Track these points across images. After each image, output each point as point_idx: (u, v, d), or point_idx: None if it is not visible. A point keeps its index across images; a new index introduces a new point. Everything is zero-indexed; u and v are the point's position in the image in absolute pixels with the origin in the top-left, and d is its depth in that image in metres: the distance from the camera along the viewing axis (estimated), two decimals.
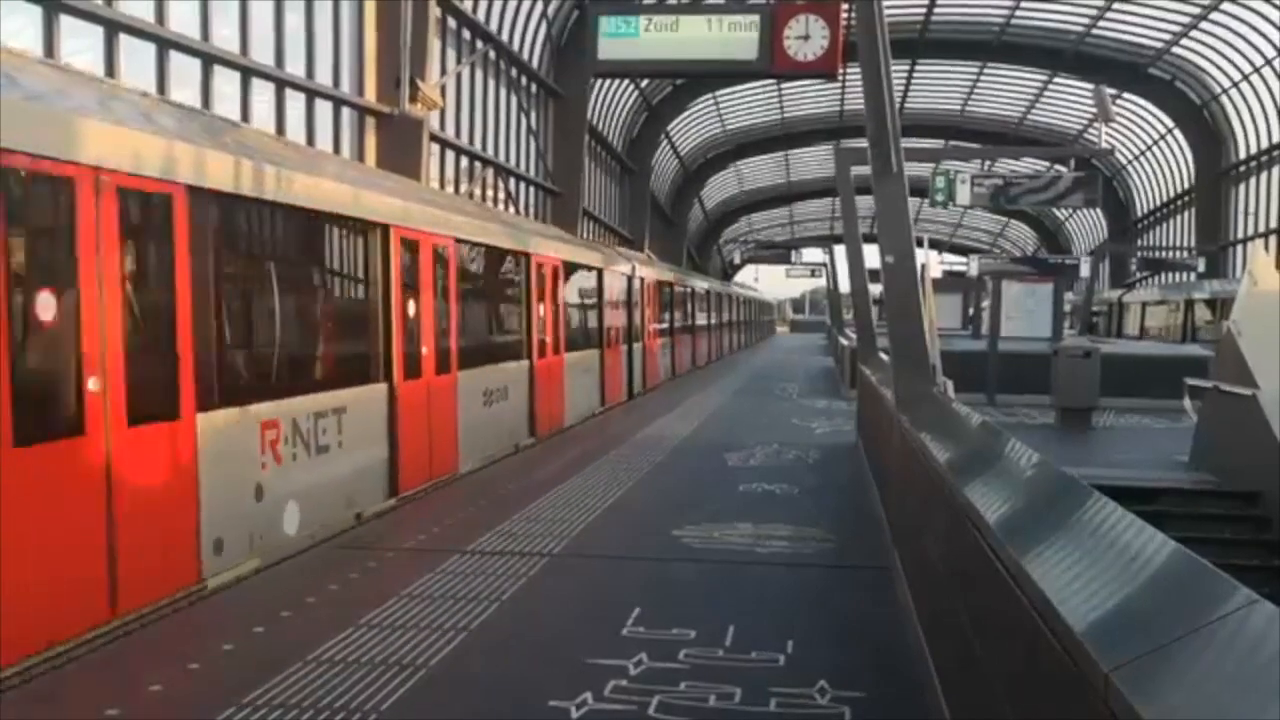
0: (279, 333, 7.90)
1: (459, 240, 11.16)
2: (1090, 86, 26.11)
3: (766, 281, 77.24)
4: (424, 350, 10.09)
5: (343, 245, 9.04)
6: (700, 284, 33.60)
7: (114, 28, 11.97)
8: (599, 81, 29.11)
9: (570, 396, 15.73)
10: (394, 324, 9.36)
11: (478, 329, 12.39)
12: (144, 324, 6.11)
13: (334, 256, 9.08)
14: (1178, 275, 35.70)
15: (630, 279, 20.81)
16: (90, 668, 5.08)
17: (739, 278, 67.33)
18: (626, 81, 31.83)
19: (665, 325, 25.39)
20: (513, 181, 26.18)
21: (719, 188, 53.97)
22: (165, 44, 12.81)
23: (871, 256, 12.69)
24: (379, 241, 9.21)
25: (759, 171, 52.53)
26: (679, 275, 29.84)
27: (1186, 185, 35.88)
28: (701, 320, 32.38)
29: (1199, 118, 33.04)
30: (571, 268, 16.17)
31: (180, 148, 6.36)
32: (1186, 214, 36.56)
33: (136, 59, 12.37)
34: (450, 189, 22.08)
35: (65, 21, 11.31)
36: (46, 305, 5.29)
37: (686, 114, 39.44)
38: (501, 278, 13.46)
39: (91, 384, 5.49)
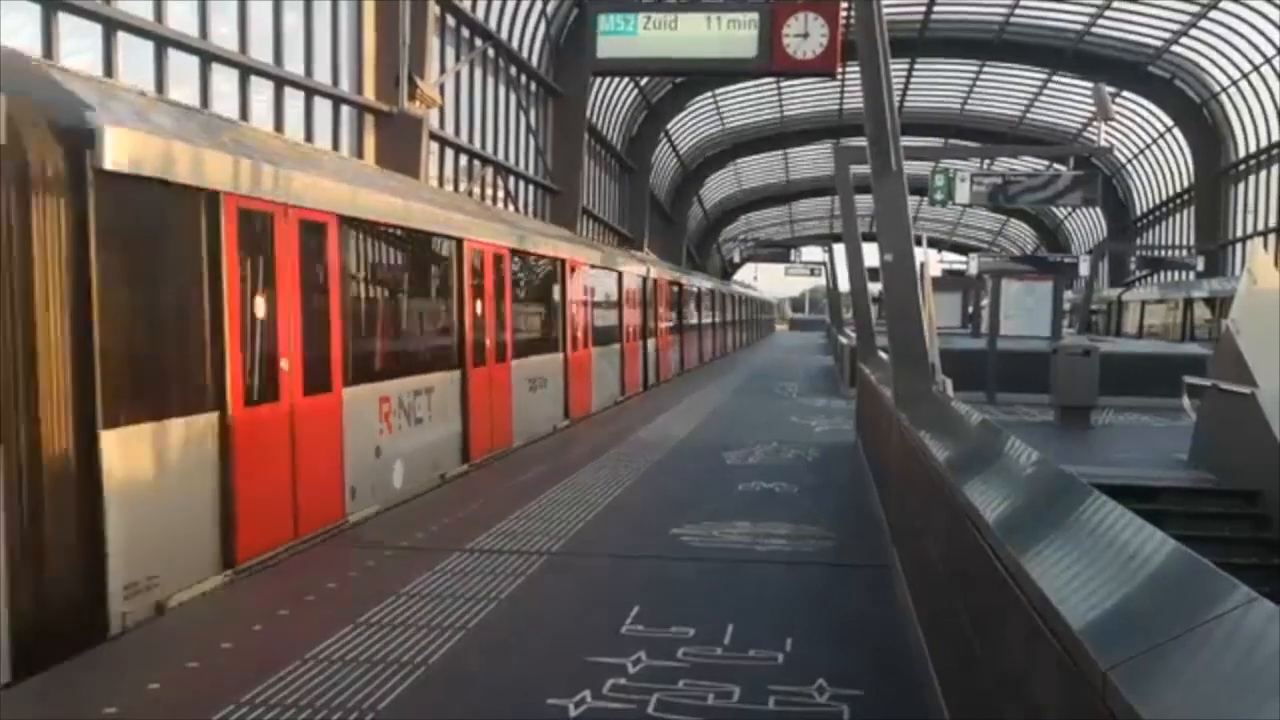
0: (390, 328, 9.90)
1: (512, 250, 12.92)
2: (1089, 85, 26.11)
3: (765, 280, 77.20)
4: (487, 343, 11.84)
5: (429, 256, 10.80)
6: (705, 284, 34.96)
7: (112, 26, 11.96)
8: (598, 80, 29.10)
9: (597, 386, 17.41)
10: (466, 321, 11.18)
11: (526, 325, 13.95)
12: (314, 322, 7.88)
13: (423, 266, 10.81)
14: (1177, 274, 35.71)
15: (645, 280, 22.28)
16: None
17: (738, 276, 67.37)
18: (626, 80, 31.82)
19: (676, 323, 27.01)
20: (512, 180, 26.18)
21: (718, 186, 53.98)
22: (164, 42, 12.80)
23: (871, 255, 12.70)
24: (454, 252, 11.03)
25: (758, 170, 52.54)
26: (689, 276, 31.59)
27: (1186, 184, 35.89)
28: (706, 319, 33.71)
29: (1198, 116, 33.05)
30: (599, 271, 18.05)
31: (335, 186, 8.35)
32: (1186, 212, 36.58)
33: (134, 57, 12.36)
34: (449, 187, 22.08)
35: (64, 20, 11.30)
36: (261, 307, 7.15)
37: (686, 112, 39.44)
38: (543, 281, 15.02)
39: (284, 364, 7.40)
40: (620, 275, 19.72)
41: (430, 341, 10.64)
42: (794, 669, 5.06)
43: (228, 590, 6.41)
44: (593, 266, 17.42)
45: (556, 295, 15.22)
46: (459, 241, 11.01)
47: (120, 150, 5.65)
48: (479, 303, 11.54)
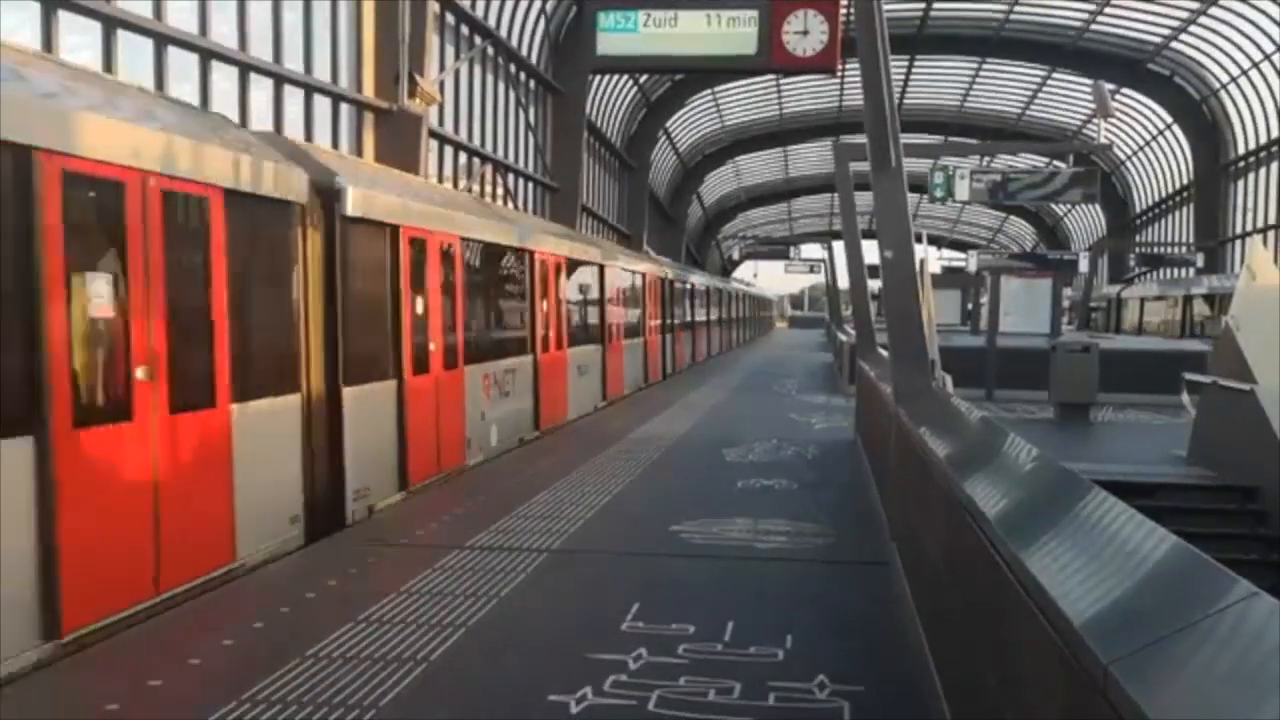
0: (489, 320, 12.39)
1: (568, 259, 15.55)
2: (1089, 82, 26.13)
3: (765, 277, 77.23)
4: (551, 334, 14.46)
5: (511, 265, 13.21)
6: (713, 283, 37.86)
7: (112, 23, 11.95)
8: (597, 77, 29.08)
9: (627, 373, 20.16)
10: (536, 315, 13.79)
11: (577, 320, 16.46)
12: (448, 316, 10.44)
13: (507, 272, 13.20)
14: (1176, 271, 35.72)
15: (664, 281, 24.78)
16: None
17: (738, 274, 67.36)
18: (625, 77, 31.80)
19: (690, 320, 29.88)
20: (511, 178, 26.17)
21: (718, 184, 53.96)
22: (163, 40, 12.79)
23: (870, 252, 12.70)
24: (528, 261, 13.62)
25: (758, 167, 52.51)
26: (699, 276, 34.37)
27: (1185, 181, 35.89)
28: (714, 315, 36.31)
29: (1198, 113, 33.05)
30: (630, 274, 20.78)
31: (455, 216, 10.92)
32: (1185, 209, 36.58)
33: (134, 55, 12.36)
34: (449, 185, 22.07)
35: (64, 17, 11.29)
36: (419, 306, 9.63)
37: (685, 110, 39.42)
38: (589, 283, 17.37)
39: (431, 347, 9.96)
40: (644, 277, 22.35)
41: (513, 332, 13.28)
42: (794, 666, 5.06)
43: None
44: (623, 270, 20.18)
45: (595, 295, 17.73)
46: (531, 254, 13.68)
47: (354, 202, 8.28)
48: (544, 301, 14.22)
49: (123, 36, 12.10)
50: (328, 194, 8.06)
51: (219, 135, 6.93)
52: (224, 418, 6.73)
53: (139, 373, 5.85)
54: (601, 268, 17.92)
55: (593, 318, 17.59)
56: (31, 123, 5.12)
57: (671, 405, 18.28)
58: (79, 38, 11.80)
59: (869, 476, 10.16)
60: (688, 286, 29.70)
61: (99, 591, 5.49)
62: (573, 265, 15.96)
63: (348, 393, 8.24)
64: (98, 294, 5.61)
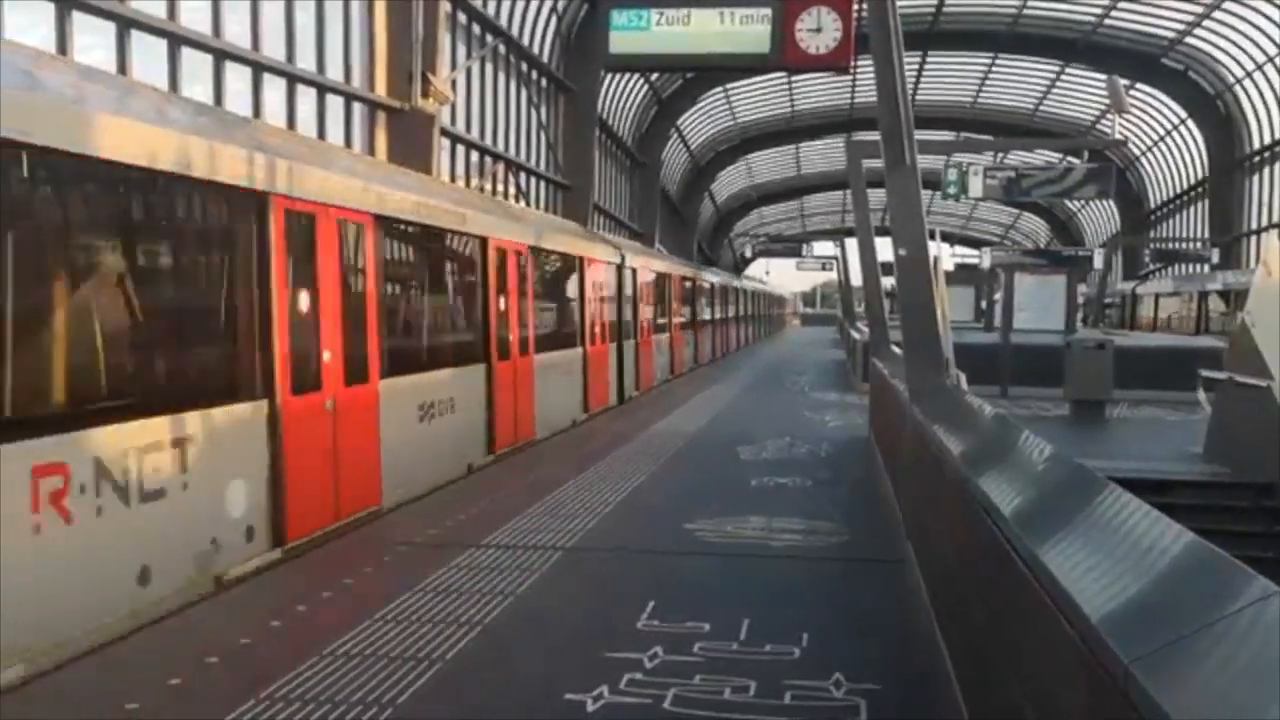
0: (550, 317, 14.39)
1: (609, 263, 17.83)
2: (1103, 78, 26.01)
3: (777, 275, 77.08)
4: (597, 330, 16.74)
5: (564, 272, 15.29)
6: (733, 282, 39.88)
7: (126, 24, 12.00)
8: (609, 75, 29.06)
9: (657, 365, 22.28)
10: (586, 314, 16.07)
11: (617, 317, 18.45)
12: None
13: (562, 279, 15.35)
14: (1191, 267, 35.54)
15: (688, 281, 26.68)
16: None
17: (750, 271, 67.27)
18: (636, 75, 31.74)
19: (711, 317, 31.95)
20: (523, 176, 26.19)
21: (729, 181, 53.87)
22: (177, 40, 12.83)
23: (883, 250, 12.67)
24: (578, 268, 15.79)
25: (770, 165, 52.40)
26: (718, 276, 36.23)
27: (1200, 176, 35.69)
28: (732, 313, 38.14)
29: (1212, 108, 32.85)
30: (661, 275, 22.98)
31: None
32: (1200, 205, 36.38)
33: (148, 55, 12.40)
34: (460, 184, 22.10)
35: (77, 18, 11.34)
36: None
37: (697, 107, 39.36)
38: (626, 285, 19.24)
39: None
40: (672, 278, 24.56)
41: (568, 327, 15.28)
42: (810, 664, 5.06)
43: (248, 585, 6.54)
44: (659, 273, 22.80)
45: (631, 296, 19.64)
46: (583, 259, 15.86)
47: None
48: (593, 302, 16.46)
49: (136, 37, 12.15)
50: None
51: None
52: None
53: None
54: (635, 271, 19.98)
55: (628, 315, 19.42)
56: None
57: (688, 401, 18.29)
58: (92, 38, 11.86)
59: (883, 474, 10.15)
60: (706, 285, 31.06)
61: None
62: (610, 269, 18.05)
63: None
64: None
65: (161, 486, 6.02)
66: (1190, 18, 28.86)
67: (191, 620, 5.79)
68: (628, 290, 19.22)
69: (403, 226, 9.44)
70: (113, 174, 5.78)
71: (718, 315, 32.98)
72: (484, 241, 11.38)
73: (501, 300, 12.09)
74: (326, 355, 7.66)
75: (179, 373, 6.54)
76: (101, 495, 5.51)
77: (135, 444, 5.81)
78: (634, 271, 19.74)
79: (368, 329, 8.59)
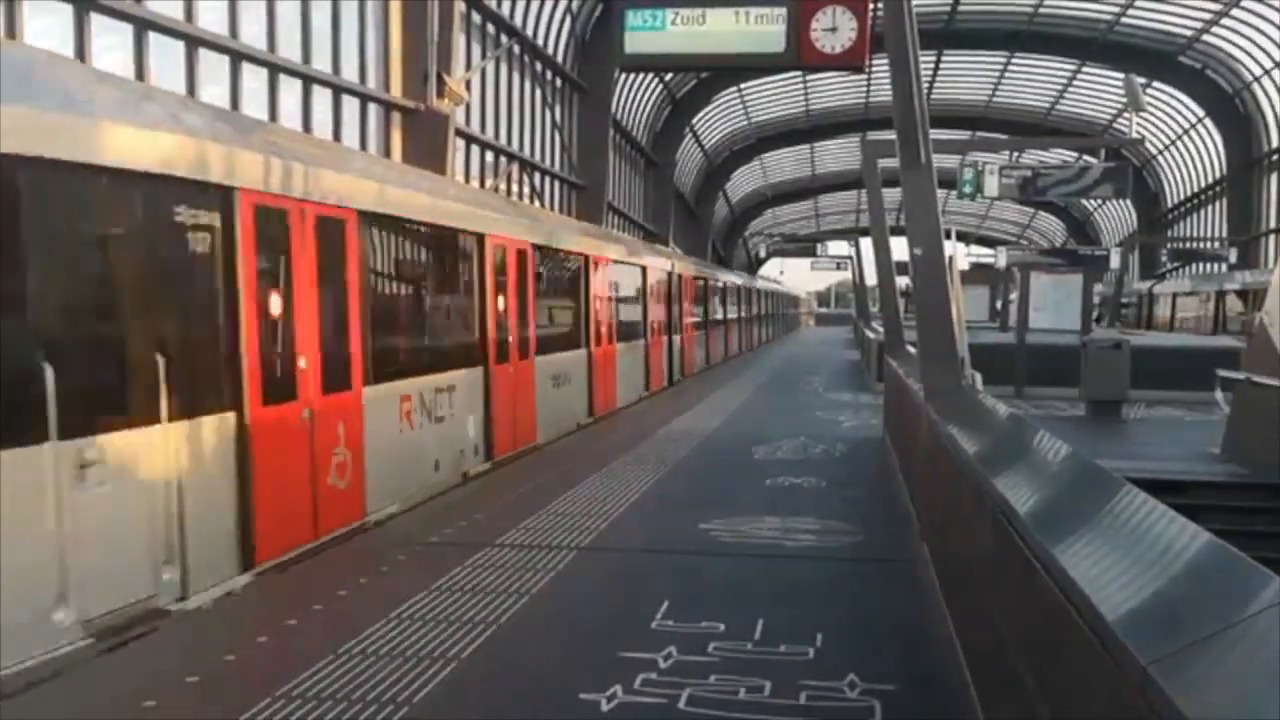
0: (620, 314, 17.65)
1: (661, 269, 21.47)
2: (1120, 76, 25.88)
3: (791, 275, 76.91)
4: (654, 324, 20.51)
5: (627, 278, 18.46)
6: (752, 283, 42.80)
7: (143, 26, 12.07)
8: (623, 75, 29.08)
9: (697, 355, 26.19)
10: (649, 311, 20.05)
11: (664, 315, 21.76)
12: (604, 313, 15.02)
13: (627, 284, 18.58)
14: (1209, 266, 35.34)
15: (718, 283, 30.29)
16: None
17: (764, 271, 67.20)
18: (651, 75, 31.77)
19: (733, 316, 34.70)
20: (538, 176, 26.23)
21: (744, 180, 53.83)
22: (194, 41, 12.90)
23: (898, 249, 12.64)
24: (640, 275, 19.56)
25: (784, 164, 52.35)
26: (739, 277, 39.23)
27: (1218, 175, 35.49)
28: (754, 311, 41.01)
29: (1230, 106, 32.66)
30: (696, 278, 26.64)
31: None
32: (1218, 204, 36.18)
33: (165, 57, 12.47)
34: (475, 184, 22.14)
35: (95, 20, 11.41)
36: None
37: (711, 107, 39.35)
38: (673, 287, 22.75)
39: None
40: (706, 281, 28.31)
41: (633, 322, 18.73)
42: (825, 664, 5.05)
43: (264, 583, 6.55)
44: (695, 278, 26.48)
45: (676, 295, 22.86)
46: (645, 268, 19.62)
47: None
48: (655, 303, 20.46)
49: (153, 39, 12.22)
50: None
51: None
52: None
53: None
54: (680, 276, 23.79)
55: (674, 313, 22.88)
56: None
57: (703, 400, 18.29)
58: (110, 39, 11.92)
59: (897, 474, 10.12)
60: (735, 287, 34.95)
61: (654, 384, 14.34)
62: (661, 274, 21.61)
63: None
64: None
65: (442, 415, 10.01)
66: (1208, 15, 28.70)
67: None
68: (676, 293, 23.58)
69: (671, 273, 18.18)
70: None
71: (746, 314, 37.50)
72: (708, 280, 20.84)
73: (685, 304, 22.57)
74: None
75: (456, 346, 10.79)
76: (420, 416, 9.47)
77: (430, 387, 9.76)
78: (679, 277, 24.31)
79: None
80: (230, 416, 6.64)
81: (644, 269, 19.94)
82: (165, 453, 6.01)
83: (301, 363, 7.46)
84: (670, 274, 22.32)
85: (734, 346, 34.52)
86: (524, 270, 12.47)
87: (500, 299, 11.71)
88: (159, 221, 6.19)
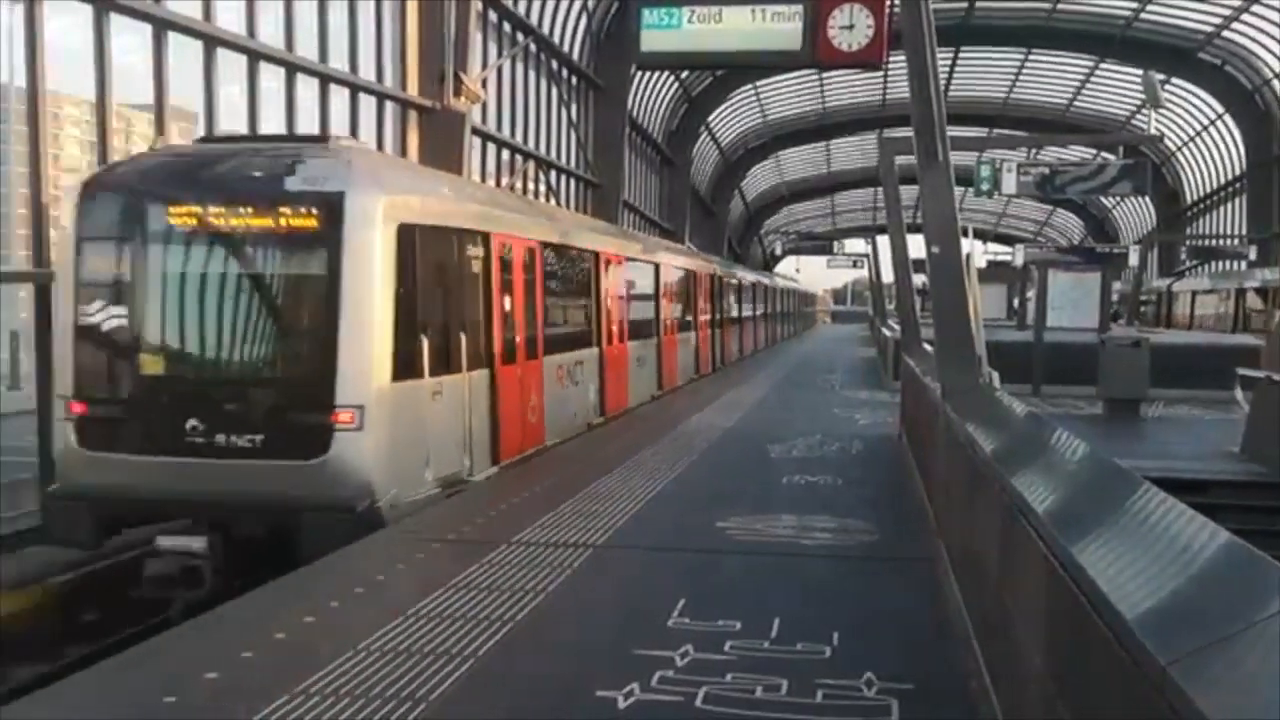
0: (683, 310, 21.59)
1: (708, 274, 25.11)
2: (1138, 72, 25.72)
3: (807, 272, 76.80)
4: (702, 319, 23.80)
5: (686, 283, 22.26)
6: (776, 281, 45.92)
7: (162, 25, 12.13)
8: (639, 73, 29.07)
9: (732, 347, 28.78)
10: (697, 307, 23.15)
11: (701, 311, 24.12)
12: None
13: (689, 288, 22.57)
14: (1228, 264, 35.10)
15: (743, 281, 32.47)
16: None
17: (779, 269, 67.12)
18: (666, 73, 31.74)
19: (763, 312, 37.35)
20: (554, 174, 26.25)
21: (759, 178, 53.74)
22: (212, 41, 12.96)
23: (915, 247, 12.60)
24: (692, 279, 22.85)
25: (800, 162, 52.23)
26: (762, 277, 41.60)
27: (1237, 172, 35.24)
28: (776, 308, 42.79)
29: (1250, 103, 32.41)
30: (731, 279, 29.46)
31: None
32: (1237, 201, 35.92)
33: (183, 56, 12.53)
34: (491, 182, 22.18)
35: (114, 20, 11.47)
36: (700, 305, 23.31)
37: (727, 104, 39.28)
38: (711, 289, 25.37)
39: (691, 319, 22.46)
40: (740, 282, 31.53)
41: (687, 317, 22.16)
42: (842, 663, 5.05)
43: (283, 579, 6.60)
44: (731, 279, 29.47)
45: (713, 295, 25.68)
46: (694, 274, 23.11)
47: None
48: (700, 300, 23.59)
49: (172, 38, 12.28)
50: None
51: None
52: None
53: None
54: (721, 279, 27.09)
55: (713, 308, 25.72)
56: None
57: (720, 398, 18.30)
58: (129, 39, 11.99)
59: (914, 472, 10.10)
60: (760, 285, 37.18)
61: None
62: (709, 276, 25.29)
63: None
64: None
65: (578, 381, 13.75)
66: (1228, 11, 28.48)
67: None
68: (718, 291, 26.69)
69: (712, 276, 25.05)
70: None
71: (768, 311, 39.31)
72: (742, 281, 27.50)
73: (746, 301, 29.59)
74: (702, 318, 22.21)
75: (583, 333, 14.62)
76: (568, 380, 13.23)
77: (572, 360, 13.52)
78: (754, 284, 31.25)
79: (699, 309, 22.74)
80: (487, 371, 10.41)
81: (694, 273, 23.97)
82: (464, 390, 9.78)
83: (517, 339, 11.31)
84: (713, 276, 26.67)
85: (771, 336, 38.99)
86: (619, 278, 16.68)
87: (607, 299, 15.65)
88: (461, 254, 10.07)
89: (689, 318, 22.79)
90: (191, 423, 8.08)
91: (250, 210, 8.35)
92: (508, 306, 10.99)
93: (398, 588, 6.33)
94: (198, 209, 8.47)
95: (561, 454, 11.97)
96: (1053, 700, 2.92)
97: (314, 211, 8.25)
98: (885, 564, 7.13)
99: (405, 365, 8.65)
